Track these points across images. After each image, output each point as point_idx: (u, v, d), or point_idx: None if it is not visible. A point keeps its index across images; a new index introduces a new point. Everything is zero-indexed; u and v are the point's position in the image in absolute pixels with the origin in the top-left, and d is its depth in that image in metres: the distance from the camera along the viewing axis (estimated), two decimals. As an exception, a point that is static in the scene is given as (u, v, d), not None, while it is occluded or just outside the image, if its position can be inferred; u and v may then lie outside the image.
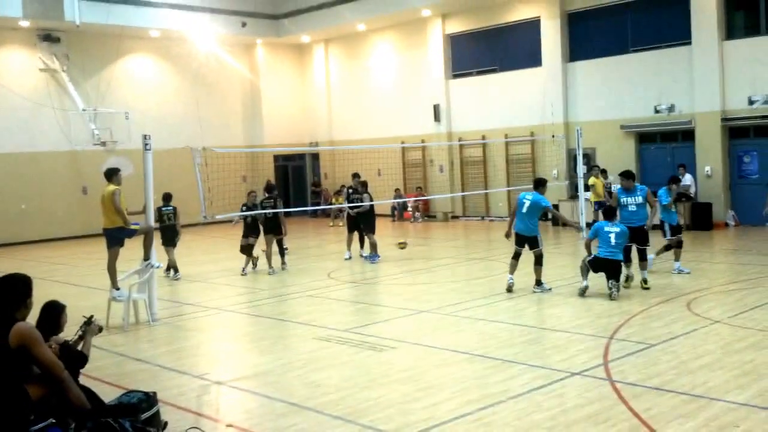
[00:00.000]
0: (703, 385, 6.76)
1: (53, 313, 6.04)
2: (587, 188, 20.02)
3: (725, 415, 5.98)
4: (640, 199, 11.97)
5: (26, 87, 24.59)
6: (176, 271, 15.14)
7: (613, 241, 11.02)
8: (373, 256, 15.97)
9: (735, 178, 19.88)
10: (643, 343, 8.31)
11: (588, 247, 11.51)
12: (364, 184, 16.72)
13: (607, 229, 11.17)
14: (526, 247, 11.82)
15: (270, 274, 15.02)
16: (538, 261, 11.73)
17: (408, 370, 7.83)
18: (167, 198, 15.21)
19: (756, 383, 6.76)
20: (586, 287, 11.14)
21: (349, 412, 6.54)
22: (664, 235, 13.11)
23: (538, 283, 11.73)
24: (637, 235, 11.73)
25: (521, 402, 6.58)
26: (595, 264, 11.16)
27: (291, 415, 6.56)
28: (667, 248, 13.23)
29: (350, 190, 16.86)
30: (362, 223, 16.29)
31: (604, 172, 19.89)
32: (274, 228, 15.21)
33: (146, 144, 10.78)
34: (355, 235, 16.61)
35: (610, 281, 10.95)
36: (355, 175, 16.93)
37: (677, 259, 12.87)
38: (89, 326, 6.18)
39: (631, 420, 5.99)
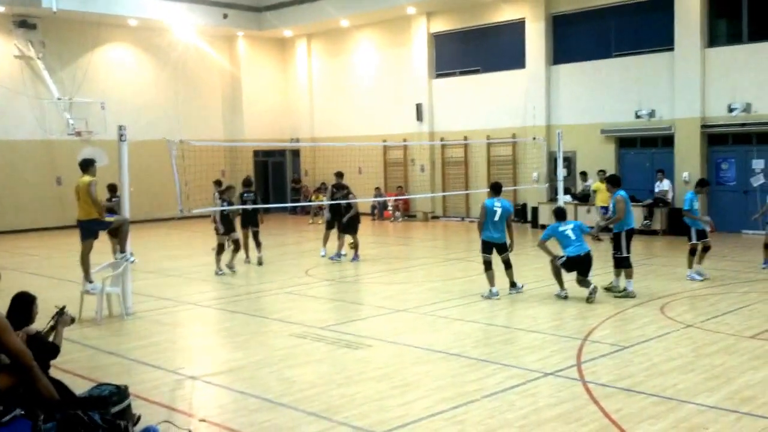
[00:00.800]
0: (674, 387, 6.84)
1: (24, 303, 5.98)
2: (584, 198, 20.21)
3: (694, 417, 6.05)
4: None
5: (1, 74, 24.20)
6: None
7: (572, 236, 11.32)
8: (354, 257, 15.90)
9: (713, 184, 20.08)
10: (616, 345, 8.40)
11: (544, 248, 11.44)
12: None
13: (561, 228, 11.44)
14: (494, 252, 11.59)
15: (247, 263, 15.59)
16: (508, 265, 11.74)
17: (384, 367, 7.84)
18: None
19: (726, 386, 6.86)
20: (566, 296, 11.22)
21: (324, 408, 6.54)
22: (690, 239, 12.71)
23: (513, 285, 11.79)
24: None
25: (495, 401, 6.62)
26: (568, 264, 11.26)
27: (265, 411, 6.54)
28: (692, 253, 12.71)
29: (334, 189, 16.42)
30: (348, 223, 15.92)
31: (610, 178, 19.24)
32: (253, 220, 15.57)
33: (121, 135, 10.69)
34: (334, 233, 16.42)
35: (582, 279, 11.14)
36: (339, 174, 16.58)
37: (700, 262, 12.73)
38: (61, 317, 6.12)
39: (602, 420, 6.05)
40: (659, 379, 7.12)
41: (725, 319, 9.61)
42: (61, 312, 6.13)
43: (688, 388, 6.83)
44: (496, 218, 11.45)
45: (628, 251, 11.41)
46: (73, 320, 6.27)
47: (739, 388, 6.76)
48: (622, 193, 11.60)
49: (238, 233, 15.28)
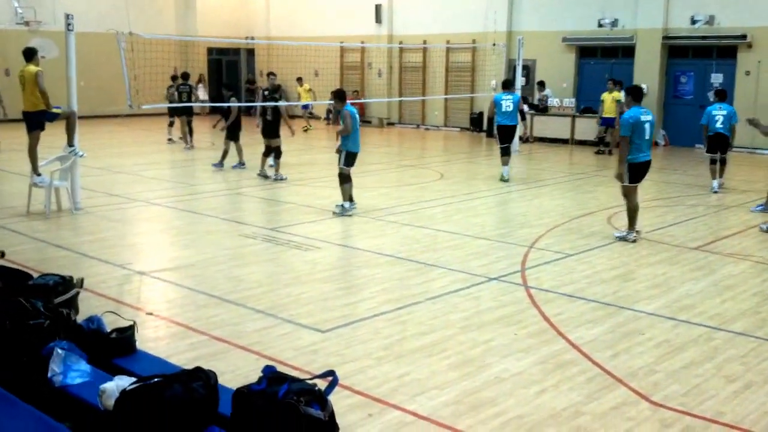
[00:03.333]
0: (614, 294, 7.03)
1: None
2: (543, 108, 20.11)
3: (632, 323, 6.25)
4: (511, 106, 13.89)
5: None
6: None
7: (511, 107, 13.78)
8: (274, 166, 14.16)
9: (670, 97, 20.23)
10: (560, 253, 8.55)
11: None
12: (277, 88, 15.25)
13: (503, 99, 13.81)
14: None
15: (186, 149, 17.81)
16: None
17: (331, 269, 7.90)
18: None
19: (665, 295, 7.06)
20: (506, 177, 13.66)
21: (271, 306, 6.58)
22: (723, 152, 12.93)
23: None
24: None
25: (438, 303, 6.72)
26: (501, 133, 13.86)
27: (212, 307, 6.57)
28: (714, 162, 13.00)
29: (265, 92, 15.12)
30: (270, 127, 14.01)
31: (619, 83, 18.11)
32: (187, 110, 18.05)
33: (69, 24, 10.36)
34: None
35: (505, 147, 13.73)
36: (271, 74, 15.67)
37: (722, 175, 13.11)
38: None
39: (541, 323, 6.21)
40: (600, 286, 7.30)
41: (671, 231, 9.83)
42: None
43: (629, 295, 7.03)
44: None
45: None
46: (3, 254, 6.08)
47: (678, 297, 6.97)
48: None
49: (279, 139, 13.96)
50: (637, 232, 9.18)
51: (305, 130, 22.37)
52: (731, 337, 5.94)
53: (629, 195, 9.16)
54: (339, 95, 10.90)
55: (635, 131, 8.82)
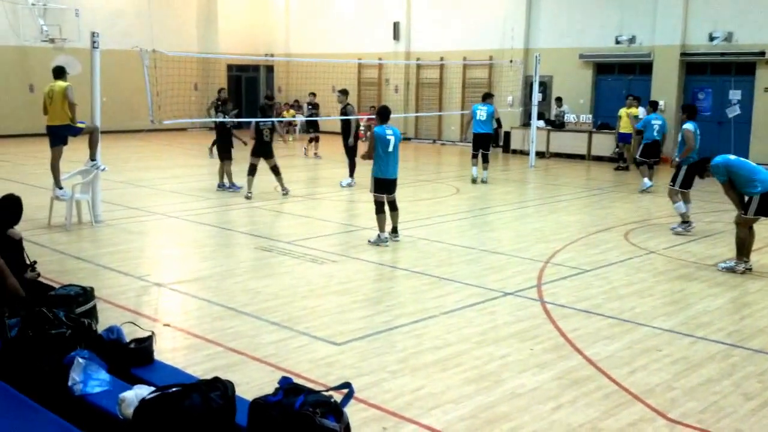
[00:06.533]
0: (631, 311, 6.99)
1: (13, 204, 6.29)
2: (559, 124, 20.04)
3: (649, 340, 6.20)
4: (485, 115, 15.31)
5: (-27, -23, 23.18)
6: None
7: (484, 117, 15.25)
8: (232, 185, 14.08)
9: (689, 113, 20.07)
10: (577, 269, 8.52)
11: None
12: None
13: (479, 109, 15.31)
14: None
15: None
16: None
17: (347, 282, 7.90)
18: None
19: (683, 312, 7.01)
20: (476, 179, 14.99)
21: (286, 318, 6.60)
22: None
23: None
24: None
25: (454, 317, 6.72)
26: (475, 140, 15.27)
27: (228, 319, 6.61)
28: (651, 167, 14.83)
29: (310, 106, 16.21)
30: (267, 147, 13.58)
31: (638, 99, 18.26)
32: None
33: (94, 42, 10.65)
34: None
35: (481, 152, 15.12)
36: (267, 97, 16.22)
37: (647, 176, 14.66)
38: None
39: (558, 339, 6.18)
40: (617, 302, 7.25)
41: (688, 247, 9.76)
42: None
43: (646, 311, 6.98)
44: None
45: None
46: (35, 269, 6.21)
47: (695, 314, 6.92)
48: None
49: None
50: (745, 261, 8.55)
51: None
52: (749, 355, 5.88)
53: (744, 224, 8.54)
54: (378, 113, 9.86)
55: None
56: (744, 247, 8.46)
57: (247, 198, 13.05)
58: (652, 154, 14.74)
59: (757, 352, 5.91)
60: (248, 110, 29.92)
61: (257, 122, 13.38)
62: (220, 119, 14.27)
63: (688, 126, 10.64)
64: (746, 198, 8.32)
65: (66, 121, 10.71)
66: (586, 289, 7.70)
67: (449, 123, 24.97)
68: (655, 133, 14.72)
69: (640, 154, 14.89)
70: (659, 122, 14.84)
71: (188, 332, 6.27)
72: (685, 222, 10.55)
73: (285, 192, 13.57)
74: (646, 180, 14.61)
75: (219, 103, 15.79)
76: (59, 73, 10.96)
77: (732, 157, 8.61)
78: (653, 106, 15.94)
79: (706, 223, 11.54)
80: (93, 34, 10.64)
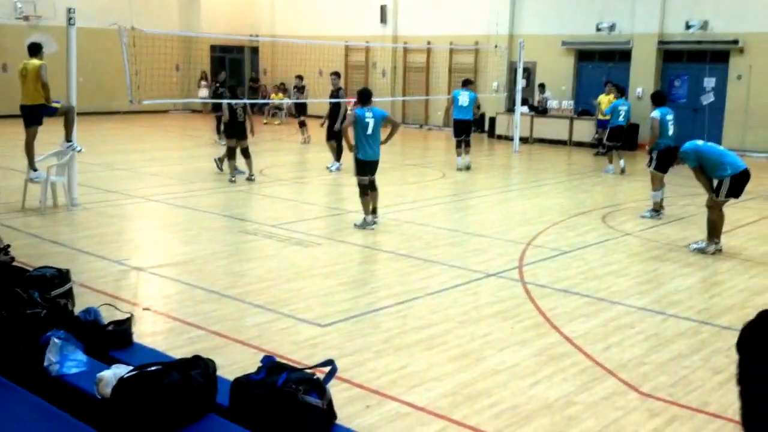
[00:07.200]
0: (607, 290, 7.18)
1: None
2: (542, 110, 20.03)
3: (623, 317, 6.39)
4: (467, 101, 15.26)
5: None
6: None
7: (467, 102, 15.13)
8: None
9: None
10: (557, 250, 8.70)
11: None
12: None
13: (461, 95, 15.14)
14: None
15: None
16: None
17: (332, 265, 7.98)
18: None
19: (655, 290, 7.22)
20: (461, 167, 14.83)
21: (271, 301, 6.65)
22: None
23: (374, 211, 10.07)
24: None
25: (438, 298, 6.86)
26: (456, 126, 15.05)
27: (211, 302, 6.61)
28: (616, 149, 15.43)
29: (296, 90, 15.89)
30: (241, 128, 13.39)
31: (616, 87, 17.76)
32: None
33: (70, 18, 10.27)
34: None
35: (464, 139, 14.90)
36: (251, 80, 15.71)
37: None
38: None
39: (537, 317, 6.35)
40: (594, 282, 7.44)
41: (662, 230, 9.98)
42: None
43: (621, 290, 7.17)
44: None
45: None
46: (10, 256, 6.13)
47: (667, 293, 7.13)
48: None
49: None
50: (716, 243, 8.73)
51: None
52: (718, 331, 6.08)
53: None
54: (358, 95, 9.89)
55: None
56: (715, 229, 8.70)
57: (231, 182, 13.08)
58: (617, 137, 15.42)
59: (726, 329, 6.11)
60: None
61: (229, 103, 13.28)
62: (233, 101, 13.58)
63: (654, 114, 10.76)
64: (716, 181, 8.55)
65: (40, 101, 10.46)
66: (565, 269, 7.88)
67: (436, 108, 25.04)
68: (621, 119, 15.37)
69: (606, 138, 15.64)
70: (625, 108, 15.53)
71: (169, 316, 6.25)
72: (656, 210, 10.73)
73: (251, 177, 13.29)
74: (610, 166, 15.21)
75: (217, 85, 15.50)
76: (35, 50, 10.63)
77: (700, 142, 8.87)
78: (621, 92, 16.47)
79: (680, 206, 11.76)
80: (69, 11, 10.30)
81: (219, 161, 14.03)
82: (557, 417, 4.53)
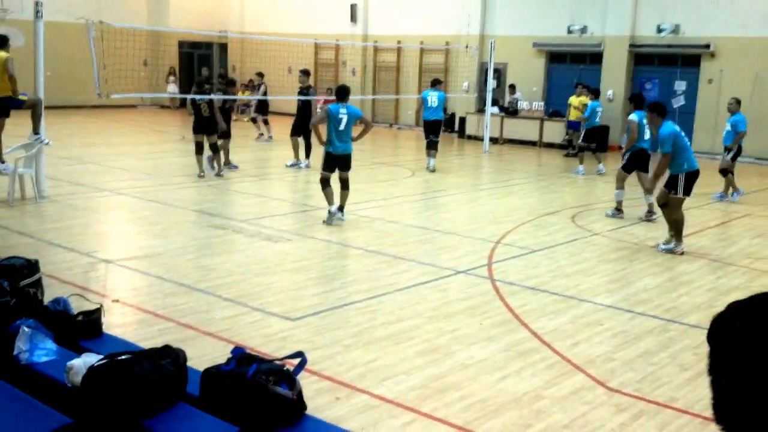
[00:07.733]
0: (576, 288, 7.24)
1: None
2: (513, 111, 20.12)
3: (591, 315, 6.46)
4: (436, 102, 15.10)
5: None
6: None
7: (436, 103, 14.93)
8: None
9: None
10: (526, 249, 8.76)
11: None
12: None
13: (429, 95, 14.96)
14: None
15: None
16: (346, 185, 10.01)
17: (302, 260, 7.97)
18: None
19: (624, 289, 7.31)
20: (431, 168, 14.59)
21: (240, 295, 6.63)
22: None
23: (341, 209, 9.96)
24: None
25: (407, 294, 6.87)
26: (426, 126, 14.89)
27: (180, 295, 6.59)
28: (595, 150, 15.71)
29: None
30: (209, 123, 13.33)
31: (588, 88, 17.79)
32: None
33: (38, 11, 10.30)
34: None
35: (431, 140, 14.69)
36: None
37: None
38: None
39: (506, 314, 6.39)
40: (563, 280, 7.50)
41: (631, 230, 10.11)
42: None
43: (589, 288, 7.24)
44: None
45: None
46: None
47: (635, 292, 7.21)
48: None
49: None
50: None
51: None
52: (685, 329, 6.17)
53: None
54: (335, 92, 10.05)
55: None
56: (680, 230, 8.75)
57: (200, 177, 12.95)
58: (593, 139, 15.67)
59: (693, 327, 6.20)
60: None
61: (193, 98, 13.21)
62: (219, 96, 13.62)
63: (633, 117, 10.84)
64: (671, 174, 8.66)
65: (7, 93, 10.37)
66: (534, 267, 7.94)
67: (406, 107, 25.08)
68: (597, 119, 15.75)
69: (582, 139, 15.77)
70: (600, 109, 15.93)
71: (138, 308, 6.24)
72: (618, 210, 10.86)
73: (218, 173, 13.21)
74: (581, 167, 15.36)
75: (203, 82, 15.15)
76: (1, 43, 10.56)
77: (677, 127, 8.99)
78: (595, 94, 16.74)
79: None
80: (37, 4, 10.30)
81: (211, 160, 13.86)
82: (525, 411, 4.56)
